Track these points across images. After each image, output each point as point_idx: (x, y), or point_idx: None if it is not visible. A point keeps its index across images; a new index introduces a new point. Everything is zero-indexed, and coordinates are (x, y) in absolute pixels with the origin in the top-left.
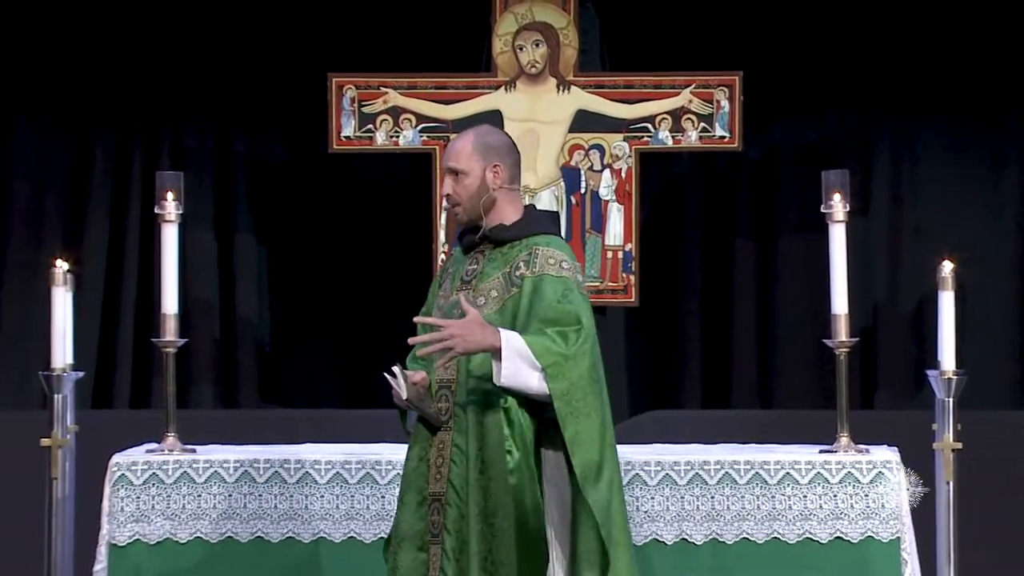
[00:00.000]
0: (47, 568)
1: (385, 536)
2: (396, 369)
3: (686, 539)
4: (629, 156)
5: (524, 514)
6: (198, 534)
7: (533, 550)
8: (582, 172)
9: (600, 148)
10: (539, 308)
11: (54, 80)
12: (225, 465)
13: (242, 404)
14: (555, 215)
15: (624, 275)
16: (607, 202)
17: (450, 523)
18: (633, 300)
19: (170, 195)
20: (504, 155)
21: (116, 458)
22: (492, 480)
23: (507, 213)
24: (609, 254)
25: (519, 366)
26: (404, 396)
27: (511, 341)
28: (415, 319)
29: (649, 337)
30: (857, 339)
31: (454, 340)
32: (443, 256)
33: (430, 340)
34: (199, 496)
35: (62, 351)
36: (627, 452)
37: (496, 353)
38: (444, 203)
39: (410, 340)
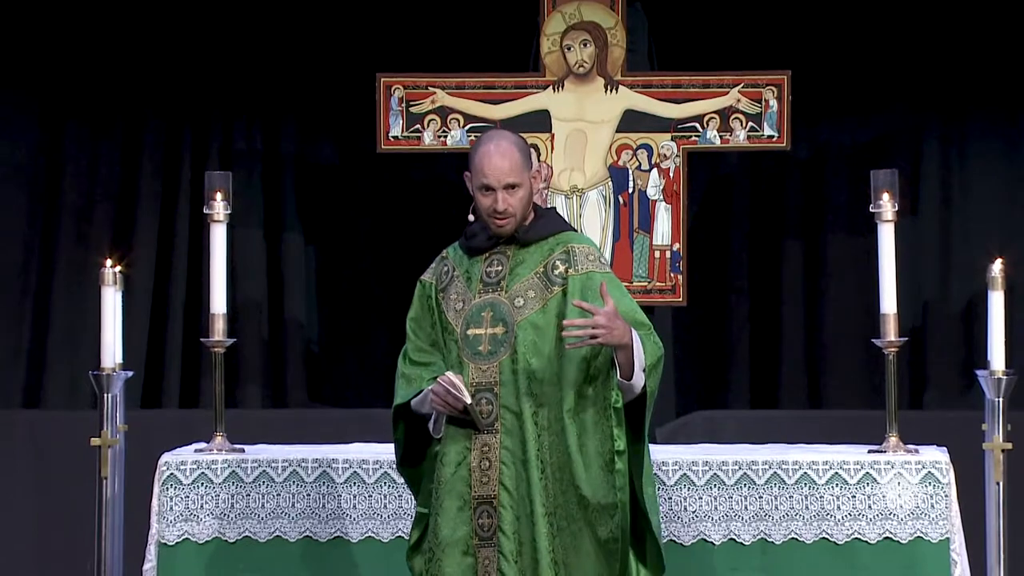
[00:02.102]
0: (97, 566)
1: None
2: (450, 375)
3: (734, 539)
4: (677, 156)
5: (613, 515)
6: (247, 533)
7: (612, 549)
8: (630, 172)
9: (648, 148)
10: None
11: (103, 81)
12: (273, 465)
13: (290, 404)
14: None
15: (672, 275)
16: (655, 202)
17: (506, 525)
18: (681, 300)
19: (219, 195)
20: (532, 159)
21: (165, 457)
22: (550, 480)
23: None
24: (657, 254)
25: (638, 364)
26: (469, 400)
27: (636, 339)
28: (575, 303)
29: (697, 337)
30: (906, 339)
31: (601, 330)
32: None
33: (583, 324)
34: (248, 495)
35: (112, 351)
36: (675, 452)
37: (627, 350)
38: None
39: (565, 323)
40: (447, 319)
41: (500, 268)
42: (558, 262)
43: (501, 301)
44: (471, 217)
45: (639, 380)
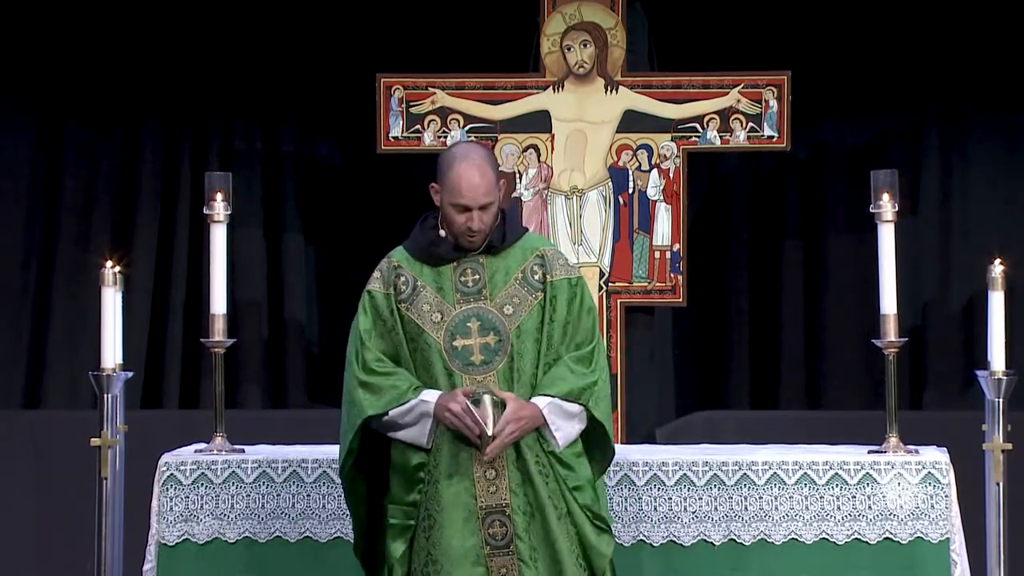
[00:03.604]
0: (97, 566)
1: None
2: (487, 401)
3: (734, 539)
4: (677, 156)
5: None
6: (247, 534)
7: (605, 524)
8: (630, 172)
9: (648, 148)
10: (570, 327)
11: (103, 80)
12: (273, 465)
13: (290, 404)
14: None
15: (672, 275)
16: (655, 202)
17: (520, 531)
18: (681, 300)
19: (219, 195)
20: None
21: (165, 458)
22: (554, 483)
23: None
24: (657, 254)
25: (566, 425)
26: (491, 432)
27: (550, 408)
28: (484, 433)
29: (697, 337)
30: (906, 339)
31: (514, 434)
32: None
33: (499, 447)
34: (248, 496)
35: (112, 351)
36: (675, 452)
37: (542, 423)
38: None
39: (488, 453)
40: (422, 331)
41: (477, 277)
42: (535, 267)
43: (487, 310)
44: (442, 233)
45: (567, 432)
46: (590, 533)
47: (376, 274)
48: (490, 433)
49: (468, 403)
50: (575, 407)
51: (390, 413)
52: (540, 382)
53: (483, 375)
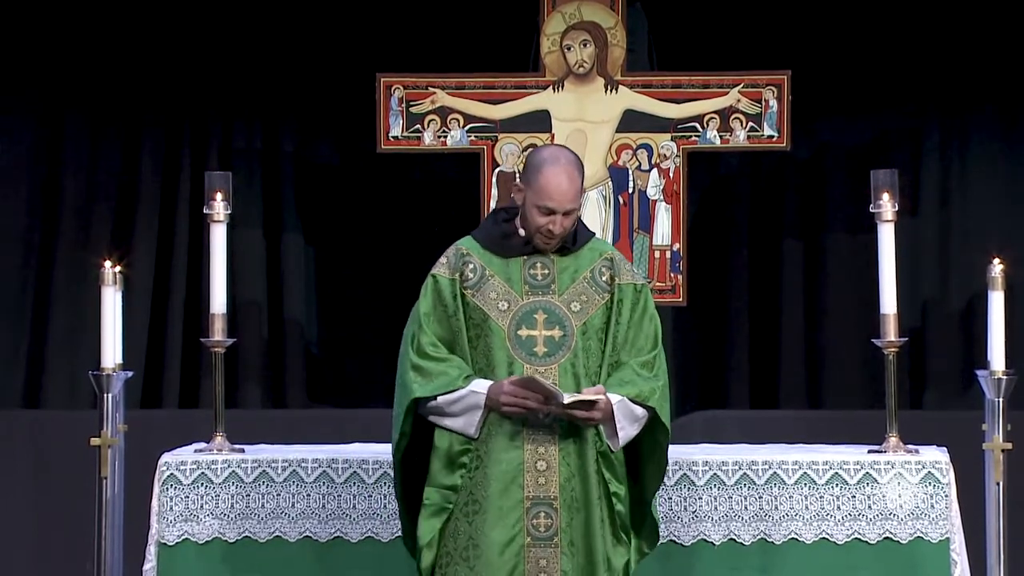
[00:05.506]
0: (97, 566)
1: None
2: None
3: (734, 539)
4: (677, 156)
5: (618, 512)
6: (246, 533)
7: (626, 536)
8: (630, 172)
9: (648, 148)
10: (631, 332)
11: (103, 79)
12: (273, 465)
13: (290, 404)
14: None
15: (672, 275)
16: (655, 202)
17: (564, 524)
18: (681, 300)
19: (219, 195)
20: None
21: (165, 457)
22: (603, 484)
23: None
24: (657, 254)
25: (628, 426)
26: (566, 400)
27: (619, 407)
28: (568, 399)
29: (697, 337)
30: (906, 339)
31: (589, 420)
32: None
33: (564, 416)
34: (247, 496)
35: (112, 351)
36: (675, 452)
37: (610, 420)
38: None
39: (580, 415)
40: (487, 318)
41: (547, 272)
42: (603, 269)
43: (555, 304)
44: (521, 232)
45: (627, 434)
46: (608, 539)
47: (443, 259)
48: (565, 402)
49: (519, 378)
50: (641, 410)
51: (438, 399)
52: (607, 383)
53: (544, 367)
